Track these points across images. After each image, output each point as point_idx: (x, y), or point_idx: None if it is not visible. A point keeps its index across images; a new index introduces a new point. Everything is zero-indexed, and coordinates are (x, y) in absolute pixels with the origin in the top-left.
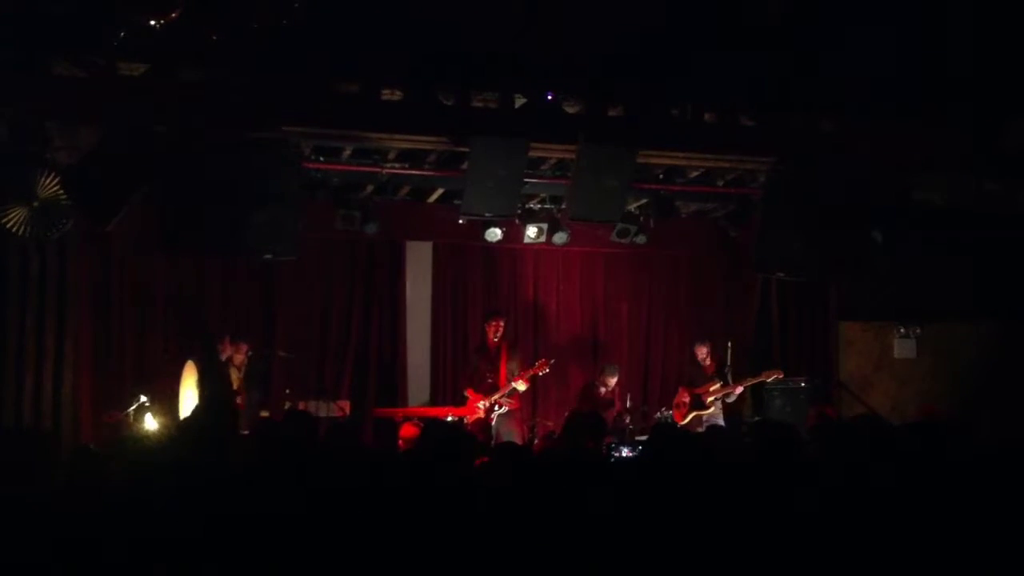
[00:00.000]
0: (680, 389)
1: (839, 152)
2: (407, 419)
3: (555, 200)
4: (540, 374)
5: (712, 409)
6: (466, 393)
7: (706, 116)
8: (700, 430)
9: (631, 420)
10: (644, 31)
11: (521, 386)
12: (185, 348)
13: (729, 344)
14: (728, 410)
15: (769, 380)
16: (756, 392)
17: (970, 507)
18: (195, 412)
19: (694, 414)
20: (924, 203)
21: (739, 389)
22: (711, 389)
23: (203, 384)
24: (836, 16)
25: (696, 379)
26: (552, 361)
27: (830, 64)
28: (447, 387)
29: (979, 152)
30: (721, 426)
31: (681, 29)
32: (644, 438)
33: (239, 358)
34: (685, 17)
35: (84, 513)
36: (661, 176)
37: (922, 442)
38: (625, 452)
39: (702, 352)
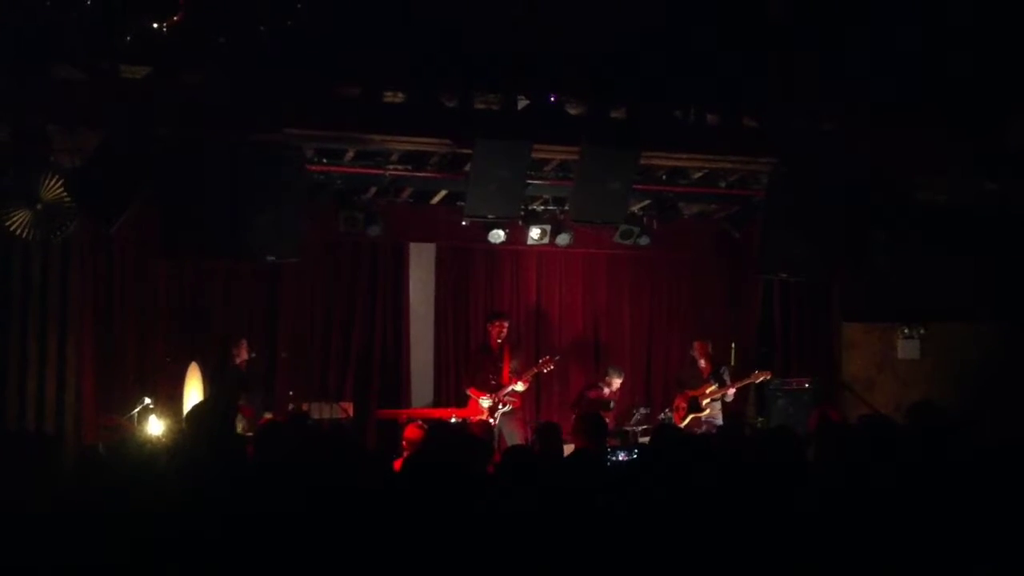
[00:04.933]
0: (677, 395)
1: (840, 152)
2: (411, 420)
3: (558, 202)
4: (544, 371)
5: (708, 411)
6: (468, 392)
7: (708, 118)
8: (700, 431)
9: (635, 421)
10: (644, 31)
11: (520, 386)
12: (195, 349)
13: (733, 345)
14: (729, 411)
15: (757, 381)
16: (759, 393)
17: (970, 506)
18: (200, 407)
19: (692, 416)
20: (925, 203)
21: (732, 390)
22: (707, 391)
23: (212, 385)
24: (837, 16)
25: (689, 381)
26: (557, 358)
27: (831, 64)
28: (451, 388)
29: (980, 152)
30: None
31: (682, 29)
32: (647, 440)
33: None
34: (685, 17)
35: (86, 515)
36: (664, 177)
37: (923, 442)
38: (622, 456)
39: (700, 352)
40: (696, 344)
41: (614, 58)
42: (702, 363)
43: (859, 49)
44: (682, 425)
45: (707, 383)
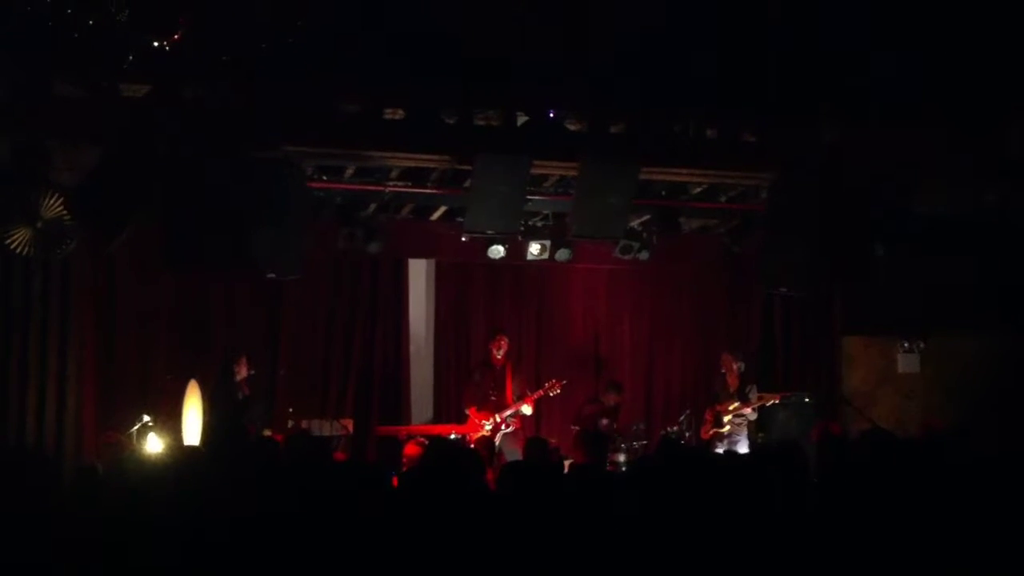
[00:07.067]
0: (707, 408)
1: (840, 162)
2: (410, 437)
3: (558, 217)
4: (551, 394)
5: (728, 428)
6: (467, 411)
7: (708, 132)
8: (719, 449)
9: (634, 435)
10: (643, 46)
11: (527, 409)
12: (196, 366)
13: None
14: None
15: (768, 404)
16: (760, 408)
17: (970, 519)
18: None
19: (713, 431)
20: (926, 214)
21: (749, 409)
22: (729, 408)
23: (213, 404)
24: (836, 19)
25: (720, 395)
26: (564, 382)
27: (830, 67)
28: (450, 405)
29: (980, 158)
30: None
31: (681, 44)
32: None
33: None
34: (684, 32)
35: (83, 533)
36: (664, 192)
37: (923, 458)
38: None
39: (726, 366)
40: (723, 356)
41: (613, 73)
42: (728, 377)
43: (859, 50)
44: (705, 439)
45: (731, 399)
